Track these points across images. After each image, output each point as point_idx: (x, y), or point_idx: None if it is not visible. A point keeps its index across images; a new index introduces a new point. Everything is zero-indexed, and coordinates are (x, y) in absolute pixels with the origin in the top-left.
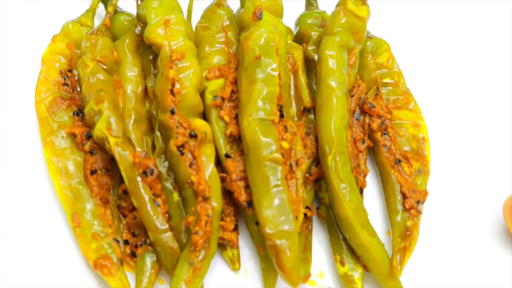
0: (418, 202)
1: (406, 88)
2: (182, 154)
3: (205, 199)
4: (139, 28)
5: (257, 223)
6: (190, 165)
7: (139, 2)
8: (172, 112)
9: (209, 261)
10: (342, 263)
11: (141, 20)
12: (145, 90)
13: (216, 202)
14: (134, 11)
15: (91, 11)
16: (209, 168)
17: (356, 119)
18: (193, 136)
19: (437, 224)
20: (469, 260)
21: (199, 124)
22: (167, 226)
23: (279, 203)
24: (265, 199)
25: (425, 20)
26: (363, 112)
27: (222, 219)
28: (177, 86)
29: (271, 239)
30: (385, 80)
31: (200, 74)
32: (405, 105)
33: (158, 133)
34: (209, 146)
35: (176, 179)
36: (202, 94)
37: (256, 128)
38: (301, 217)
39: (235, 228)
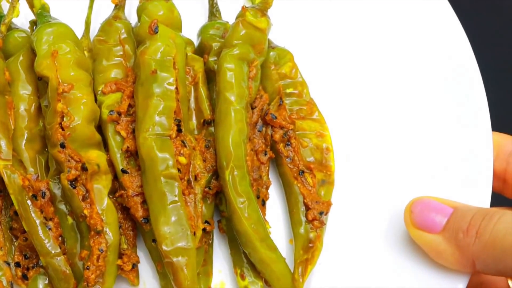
0: (321, 213)
1: (310, 98)
2: (75, 187)
3: (98, 233)
4: None
5: (154, 240)
6: (83, 199)
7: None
8: (62, 146)
9: None
10: (243, 277)
11: (32, 49)
12: (39, 108)
13: (112, 235)
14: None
15: None
16: (103, 201)
17: (258, 131)
18: (84, 169)
19: (342, 235)
20: (374, 270)
21: (92, 156)
22: (59, 250)
23: (176, 220)
24: (161, 216)
25: (329, 30)
26: (266, 123)
27: (120, 257)
28: (66, 119)
29: (168, 257)
30: (288, 91)
31: (91, 104)
32: (309, 115)
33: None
34: (104, 177)
35: (73, 212)
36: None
37: (152, 144)
38: (199, 232)
39: (133, 267)
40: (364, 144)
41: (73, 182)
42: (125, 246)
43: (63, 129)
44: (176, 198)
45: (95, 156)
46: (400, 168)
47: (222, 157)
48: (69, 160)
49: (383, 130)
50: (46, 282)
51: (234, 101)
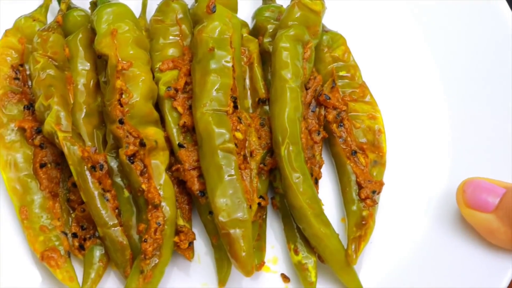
0: (373, 192)
1: (362, 81)
2: (133, 163)
3: (155, 206)
4: None
5: (211, 212)
6: (141, 174)
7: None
8: (121, 122)
9: (162, 269)
10: (296, 252)
11: (93, 27)
12: (97, 84)
13: (169, 209)
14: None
15: (44, 7)
16: (161, 176)
17: (312, 111)
18: (142, 144)
19: (393, 215)
20: (424, 249)
21: (150, 132)
22: (116, 221)
23: (232, 192)
24: (218, 188)
25: (380, 14)
26: (319, 104)
27: (177, 233)
28: (125, 96)
29: (225, 228)
30: (341, 73)
31: (150, 82)
32: (361, 98)
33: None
34: (161, 154)
35: (130, 187)
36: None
37: (209, 119)
38: (254, 206)
39: (189, 245)
40: (415, 126)
41: (131, 158)
42: (181, 222)
43: (121, 106)
44: (233, 172)
45: (153, 133)
46: (452, 148)
47: (278, 133)
48: (127, 136)
49: (435, 112)
50: (102, 252)
51: (290, 79)
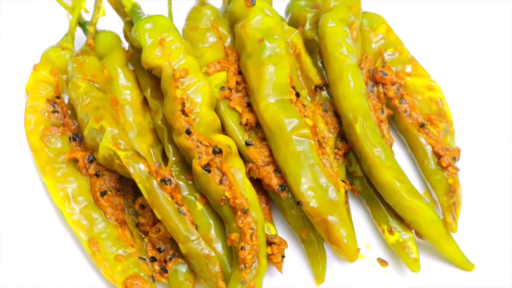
0: (453, 158)
1: (411, 56)
2: (209, 172)
3: (245, 212)
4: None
5: (299, 202)
6: (221, 182)
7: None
8: (188, 133)
9: (262, 278)
10: (391, 232)
11: (134, 45)
12: (144, 101)
13: (256, 213)
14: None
15: (70, 35)
16: (243, 181)
17: (370, 91)
18: (217, 152)
19: (474, 180)
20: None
21: (220, 139)
22: (198, 234)
23: (318, 177)
24: (301, 177)
25: None
26: (376, 82)
27: (268, 244)
28: (188, 104)
29: (319, 215)
30: (389, 51)
31: (209, 88)
32: (414, 71)
33: (169, 145)
34: (236, 160)
35: (209, 200)
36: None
37: (275, 109)
38: (342, 190)
39: (282, 258)
40: (472, 95)
41: (206, 167)
42: (274, 232)
43: (186, 115)
44: (312, 156)
45: (223, 139)
46: None
47: (348, 112)
48: (197, 146)
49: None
50: (184, 271)
51: (347, 56)
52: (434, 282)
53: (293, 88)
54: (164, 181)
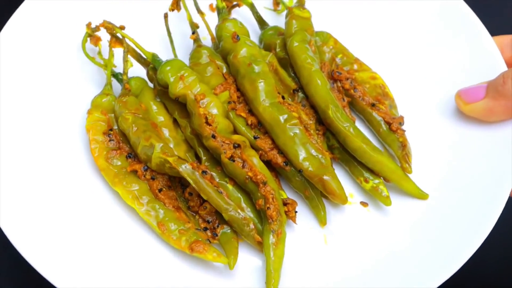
0: (400, 123)
1: (355, 57)
2: (234, 161)
3: (264, 183)
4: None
5: (300, 171)
6: (243, 167)
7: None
8: (214, 137)
9: (284, 227)
10: (366, 181)
11: (161, 83)
12: (174, 121)
13: (272, 185)
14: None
15: (109, 84)
16: (258, 163)
17: (332, 87)
18: (236, 146)
19: (417, 135)
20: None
21: (236, 137)
22: (233, 203)
23: (310, 150)
24: (298, 152)
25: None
26: (334, 80)
27: (284, 205)
28: (209, 117)
29: (316, 175)
30: (339, 56)
31: (221, 104)
32: (359, 68)
33: (200, 149)
34: (250, 150)
35: (236, 181)
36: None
37: (270, 109)
38: (328, 157)
39: (295, 212)
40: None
41: (231, 158)
42: (285, 196)
43: (209, 125)
44: (302, 137)
45: (238, 137)
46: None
47: (321, 102)
48: (222, 145)
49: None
50: (231, 230)
51: (311, 64)
52: (402, 211)
53: (279, 93)
54: (204, 172)
